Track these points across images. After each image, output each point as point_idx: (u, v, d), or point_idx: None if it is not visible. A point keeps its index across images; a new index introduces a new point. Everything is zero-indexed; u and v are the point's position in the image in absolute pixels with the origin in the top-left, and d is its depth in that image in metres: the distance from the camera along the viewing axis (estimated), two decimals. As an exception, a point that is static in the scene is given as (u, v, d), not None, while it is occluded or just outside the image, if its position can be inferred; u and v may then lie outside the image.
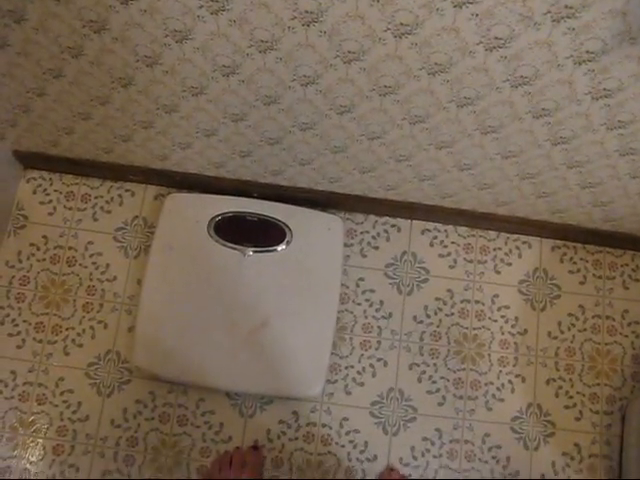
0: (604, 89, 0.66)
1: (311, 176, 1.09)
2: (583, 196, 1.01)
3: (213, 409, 1.14)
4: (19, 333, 1.14)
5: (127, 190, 1.20)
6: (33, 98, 0.88)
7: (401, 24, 0.57)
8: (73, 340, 1.15)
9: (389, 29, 0.59)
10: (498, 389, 1.17)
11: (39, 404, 1.12)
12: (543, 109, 0.72)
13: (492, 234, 1.23)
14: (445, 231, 1.22)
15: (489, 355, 1.18)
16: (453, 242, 1.22)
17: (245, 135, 0.93)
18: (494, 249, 1.23)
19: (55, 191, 1.19)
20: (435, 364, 1.17)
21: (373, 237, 1.21)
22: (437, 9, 0.54)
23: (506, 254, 1.23)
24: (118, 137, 1.01)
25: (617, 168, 0.87)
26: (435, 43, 0.60)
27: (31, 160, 1.17)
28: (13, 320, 1.15)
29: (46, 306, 1.15)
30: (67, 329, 1.15)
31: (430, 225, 1.22)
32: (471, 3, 0.53)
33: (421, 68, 0.66)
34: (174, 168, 1.13)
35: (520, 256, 1.23)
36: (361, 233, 1.21)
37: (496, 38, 0.58)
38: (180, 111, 0.87)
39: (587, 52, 0.58)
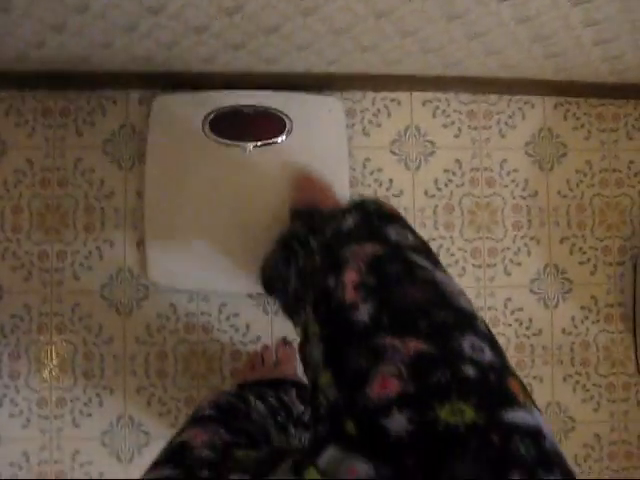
0: None
1: (308, 60, 1.02)
2: (594, 52, 0.97)
3: (237, 312, 1.13)
4: (23, 266, 1.09)
5: (108, 98, 1.12)
6: None
7: None
8: (81, 264, 1.10)
9: None
10: (515, 253, 1.18)
11: (59, 333, 1.09)
12: None
13: (494, 98, 1.19)
14: (446, 100, 1.18)
15: (503, 221, 1.18)
16: (455, 110, 1.18)
17: (239, 27, 0.85)
18: (497, 113, 1.19)
19: (30, 110, 1.10)
20: (451, 236, 1.16)
21: (374, 114, 1.16)
22: None
23: (509, 117, 1.19)
24: (96, 45, 0.92)
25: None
26: None
27: (-2, 79, 1.07)
28: (14, 253, 1.09)
29: (45, 233, 1.10)
30: (72, 254, 1.10)
31: (430, 95, 1.17)
32: None
33: None
34: (158, 69, 1.05)
35: (524, 117, 1.20)
36: (361, 112, 1.15)
37: None
38: (167, 10, 0.79)
39: None
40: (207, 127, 1.07)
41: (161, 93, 1.10)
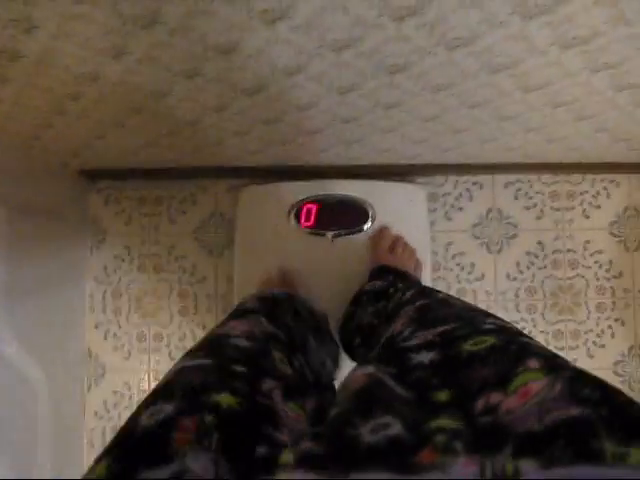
0: None
1: (387, 156, 1.04)
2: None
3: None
4: (123, 346, 1.17)
5: (198, 187, 1.17)
6: (108, 131, 0.84)
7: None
8: (176, 346, 1.17)
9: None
10: (598, 335, 1.17)
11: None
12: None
13: (577, 177, 1.18)
14: (529, 182, 1.17)
15: (586, 303, 1.17)
16: (538, 192, 1.17)
17: (315, 118, 0.88)
18: (581, 193, 1.18)
19: (127, 199, 1.17)
20: (533, 319, 1.16)
21: (456, 198, 1.17)
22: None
23: (594, 196, 1.18)
24: (208, 144, 0.97)
25: None
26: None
27: (98, 173, 1.14)
28: (114, 334, 1.17)
29: (143, 316, 1.17)
30: (167, 336, 1.17)
31: (512, 177, 1.17)
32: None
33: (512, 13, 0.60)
34: (243, 164, 1.09)
35: (608, 196, 1.18)
36: (443, 196, 1.17)
37: None
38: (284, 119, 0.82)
39: None
40: (292, 217, 1.11)
41: (249, 183, 1.15)
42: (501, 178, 1.17)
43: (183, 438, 0.41)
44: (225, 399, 0.46)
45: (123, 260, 1.17)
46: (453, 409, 0.41)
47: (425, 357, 0.49)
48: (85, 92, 0.66)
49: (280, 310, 0.76)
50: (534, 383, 0.38)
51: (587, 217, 1.17)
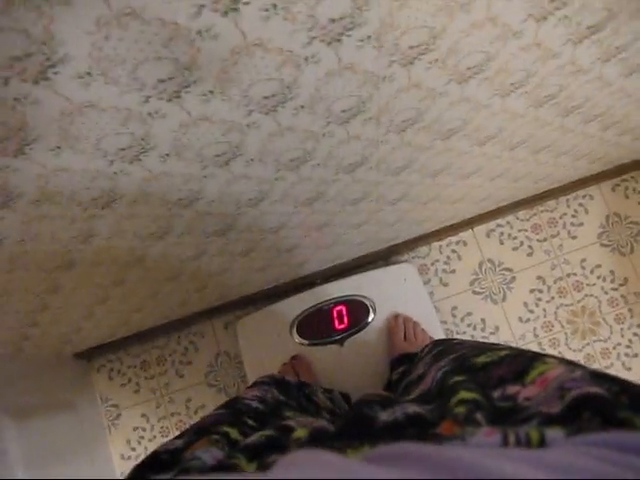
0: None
1: (367, 246, 1.04)
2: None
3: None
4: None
5: (196, 334, 1.16)
6: (95, 309, 0.83)
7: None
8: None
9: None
10: (627, 346, 1.15)
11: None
12: None
13: (552, 204, 1.19)
14: (508, 223, 1.18)
15: (604, 319, 1.16)
16: (520, 230, 1.18)
17: (289, 236, 0.88)
18: (560, 217, 1.19)
19: (129, 367, 1.15)
20: (560, 352, 1.15)
21: (445, 262, 1.17)
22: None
23: (573, 216, 1.19)
24: (175, 303, 0.96)
25: None
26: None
27: (93, 352, 1.12)
28: None
29: None
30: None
31: (492, 224, 1.18)
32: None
33: (447, 83, 0.61)
34: (231, 298, 1.09)
35: (587, 212, 1.19)
36: (432, 264, 1.17)
37: None
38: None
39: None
40: (295, 334, 1.10)
41: (242, 314, 1.14)
42: (481, 229, 1.18)
43: (193, 450, 0.42)
44: (234, 433, 0.47)
45: (144, 429, 1.14)
46: (471, 384, 0.42)
47: (438, 373, 0.50)
48: (62, 282, 0.65)
49: (293, 392, 0.74)
50: (552, 371, 0.38)
51: (574, 237, 1.18)
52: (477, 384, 0.42)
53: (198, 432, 0.47)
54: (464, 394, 0.40)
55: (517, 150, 0.79)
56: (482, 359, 0.46)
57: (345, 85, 0.43)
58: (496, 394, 0.39)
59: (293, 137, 0.49)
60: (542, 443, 0.30)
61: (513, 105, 0.61)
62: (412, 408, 0.41)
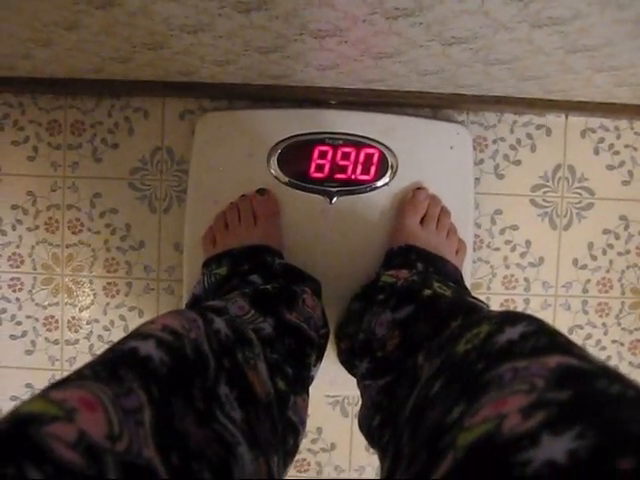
0: None
1: (423, 80, 0.67)
2: None
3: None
4: (25, 334, 0.82)
5: (137, 110, 0.79)
6: None
7: None
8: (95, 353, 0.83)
9: None
10: (692, 348, 0.84)
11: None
12: None
13: (685, 127, 0.82)
14: (616, 129, 0.81)
15: (678, 304, 0.84)
16: (627, 145, 0.82)
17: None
18: (687, 150, 0.82)
19: (31, 122, 0.80)
20: (604, 324, 0.83)
21: (511, 147, 0.81)
22: None
23: None
24: (115, 57, 0.59)
25: None
26: None
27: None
28: (13, 317, 0.82)
29: (54, 293, 0.82)
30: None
31: (594, 122, 0.81)
32: None
33: None
34: (203, 79, 0.72)
35: None
36: (494, 142, 0.81)
37: None
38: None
39: None
40: (274, 163, 0.75)
41: (210, 107, 0.78)
42: (578, 122, 0.81)
43: None
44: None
45: (25, 213, 0.81)
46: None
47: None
48: None
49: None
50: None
51: (693, 184, 0.83)
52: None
53: None
54: None
55: None
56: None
57: None
58: None
59: None
60: None
61: None
62: None
